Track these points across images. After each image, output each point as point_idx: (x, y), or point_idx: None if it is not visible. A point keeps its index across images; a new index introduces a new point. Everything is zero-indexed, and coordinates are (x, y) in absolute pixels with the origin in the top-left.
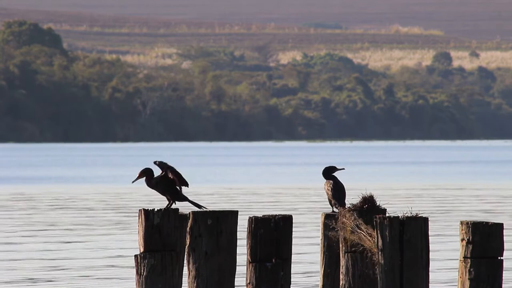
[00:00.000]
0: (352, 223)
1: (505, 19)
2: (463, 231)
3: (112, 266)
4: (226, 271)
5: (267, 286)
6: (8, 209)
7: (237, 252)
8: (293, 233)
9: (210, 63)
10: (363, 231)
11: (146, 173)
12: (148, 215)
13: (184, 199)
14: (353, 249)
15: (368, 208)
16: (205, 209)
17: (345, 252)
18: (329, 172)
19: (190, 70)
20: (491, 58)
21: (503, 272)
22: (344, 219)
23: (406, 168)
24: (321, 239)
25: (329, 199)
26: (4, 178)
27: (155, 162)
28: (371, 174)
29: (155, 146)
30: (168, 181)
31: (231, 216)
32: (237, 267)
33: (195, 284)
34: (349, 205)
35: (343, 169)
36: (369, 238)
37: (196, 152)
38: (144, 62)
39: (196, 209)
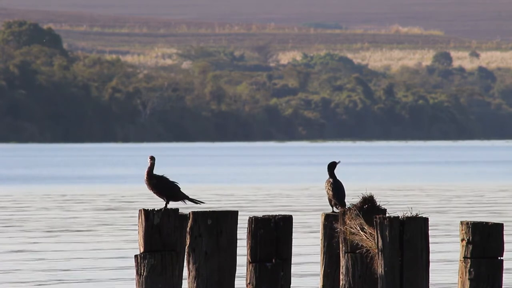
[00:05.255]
0: (356, 223)
1: (505, 19)
2: (463, 231)
3: (112, 266)
4: (226, 271)
5: (267, 286)
6: (8, 209)
7: (237, 252)
8: (293, 233)
9: (210, 63)
10: (366, 231)
11: (152, 160)
12: (148, 215)
13: (181, 198)
14: (357, 251)
15: (368, 208)
16: (202, 203)
17: (345, 252)
18: (332, 168)
19: (190, 70)
20: (491, 58)
21: (503, 272)
22: (346, 220)
23: (406, 168)
24: (321, 239)
25: (329, 199)
26: (4, 178)
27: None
28: (371, 174)
29: (155, 146)
30: (165, 183)
31: (231, 216)
32: (237, 267)
33: (195, 284)
34: (349, 205)
35: (339, 162)
36: (370, 238)
37: (196, 152)
38: (144, 62)
39: (196, 208)
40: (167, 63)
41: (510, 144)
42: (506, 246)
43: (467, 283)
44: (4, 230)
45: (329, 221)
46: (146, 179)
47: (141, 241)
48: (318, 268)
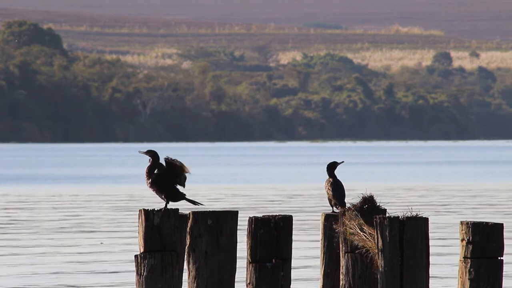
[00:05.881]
0: (355, 223)
1: (505, 19)
2: (463, 231)
3: (113, 266)
4: (226, 271)
5: (267, 286)
6: (9, 210)
7: (237, 252)
8: (293, 233)
9: (210, 63)
10: (365, 232)
11: (152, 153)
12: (148, 215)
13: (181, 198)
14: (357, 251)
15: (368, 208)
16: (201, 205)
17: (345, 253)
18: (332, 168)
19: (190, 70)
20: (491, 58)
21: (503, 272)
22: (345, 220)
23: (406, 168)
24: (321, 239)
25: (329, 199)
26: (5, 178)
27: (166, 158)
28: (371, 174)
29: (155, 147)
30: (164, 181)
31: (231, 216)
32: (237, 267)
33: (195, 284)
34: (349, 205)
35: (343, 162)
36: (370, 238)
37: (196, 152)
38: (144, 62)
39: (196, 208)
40: (167, 63)
41: (511, 144)
42: (506, 246)
43: (467, 283)
44: (5, 231)
45: (329, 221)
46: (146, 177)
47: (141, 241)
48: (318, 268)
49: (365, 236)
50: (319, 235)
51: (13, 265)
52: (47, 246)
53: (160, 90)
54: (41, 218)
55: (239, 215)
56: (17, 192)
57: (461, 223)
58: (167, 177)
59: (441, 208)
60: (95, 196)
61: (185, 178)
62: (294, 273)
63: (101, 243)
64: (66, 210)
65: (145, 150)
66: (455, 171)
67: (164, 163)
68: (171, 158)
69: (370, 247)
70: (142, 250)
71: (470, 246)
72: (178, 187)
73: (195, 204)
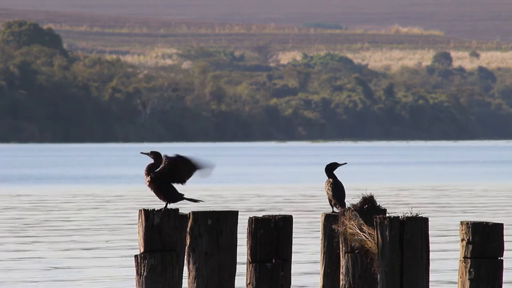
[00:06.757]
0: (355, 223)
1: (505, 19)
2: (463, 231)
3: (113, 266)
4: (226, 271)
5: (267, 286)
6: (9, 209)
7: (237, 252)
8: (293, 233)
9: (210, 63)
10: (365, 232)
11: (155, 155)
12: (148, 215)
13: (180, 198)
14: (357, 251)
15: (368, 208)
16: (202, 202)
17: (345, 252)
18: (331, 169)
19: (190, 70)
20: (491, 58)
21: (503, 272)
22: (345, 220)
23: (406, 168)
24: (321, 239)
25: (329, 199)
26: (4, 178)
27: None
28: (371, 174)
29: (155, 146)
30: (164, 181)
31: (231, 216)
32: (237, 267)
33: (195, 284)
34: (349, 205)
35: (345, 163)
36: (369, 238)
37: (196, 152)
38: (144, 62)
39: (196, 208)
40: (167, 63)
41: (511, 144)
42: (506, 246)
43: (467, 283)
44: (5, 232)
45: (329, 221)
46: (145, 175)
47: (141, 241)
48: (318, 268)
49: (365, 236)
50: (319, 235)
51: (15, 266)
52: (48, 249)
53: (160, 90)
54: (41, 218)
55: (239, 215)
56: (17, 193)
57: (461, 223)
58: (167, 177)
59: (441, 208)
60: (96, 196)
61: (190, 173)
62: (294, 273)
63: (107, 241)
64: (67, 211)
65: (147, 151)
66: (455, 171)
67: (168, 161)
68: (181, 156)
69: (370, 247)
70: (142, 250)
71: (470, 246)
72: (177, 187)
73: (196, 202)
